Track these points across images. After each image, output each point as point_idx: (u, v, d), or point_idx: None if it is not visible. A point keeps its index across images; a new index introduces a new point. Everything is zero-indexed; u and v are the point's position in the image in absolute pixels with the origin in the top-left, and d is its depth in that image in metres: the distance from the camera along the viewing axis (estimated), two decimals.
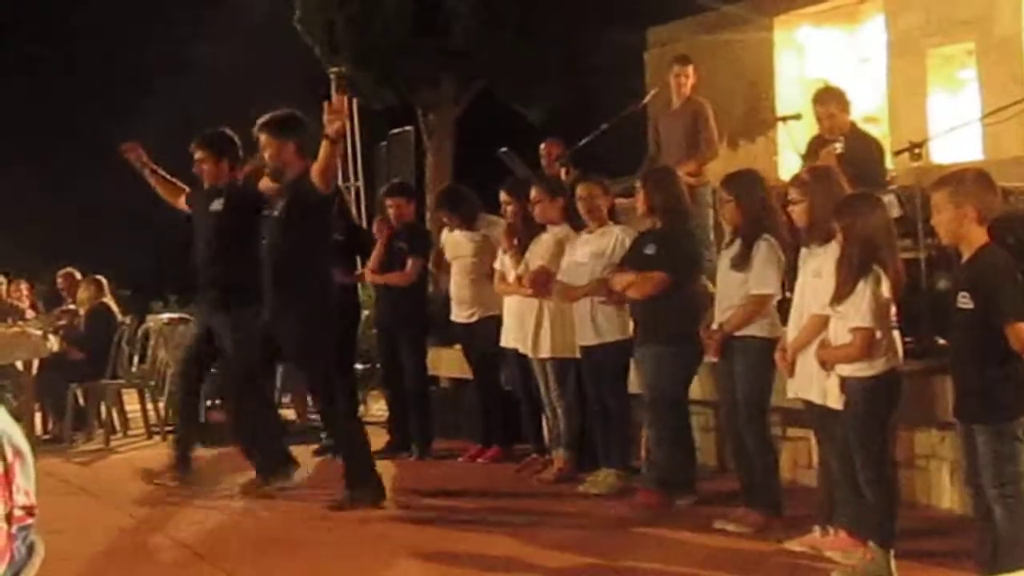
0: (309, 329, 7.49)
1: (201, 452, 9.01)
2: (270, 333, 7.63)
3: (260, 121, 7.68)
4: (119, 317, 12.14)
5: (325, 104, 7.28)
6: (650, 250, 7.24)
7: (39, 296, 15.18)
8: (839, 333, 5.58)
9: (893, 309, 5.51)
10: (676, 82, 10.17)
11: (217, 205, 8.26)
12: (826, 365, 5.67)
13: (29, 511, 1.57)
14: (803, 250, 6.13)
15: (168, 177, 8.72)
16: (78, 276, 13.01)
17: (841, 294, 5.47)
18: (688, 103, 10.14)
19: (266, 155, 7.66)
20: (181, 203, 8.66)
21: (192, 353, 8.58)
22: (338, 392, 7.79)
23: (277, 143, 7.57)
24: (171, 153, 8.73)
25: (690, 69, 10.18)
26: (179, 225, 8.75)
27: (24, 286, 14.33)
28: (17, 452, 1.58)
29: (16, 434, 1.59)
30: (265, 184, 7.95)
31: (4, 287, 13.97)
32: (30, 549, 1.58)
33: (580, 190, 8.02)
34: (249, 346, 7.85)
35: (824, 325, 5.75)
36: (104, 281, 12.30)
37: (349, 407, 8.27)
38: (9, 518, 1.53)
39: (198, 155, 8.35)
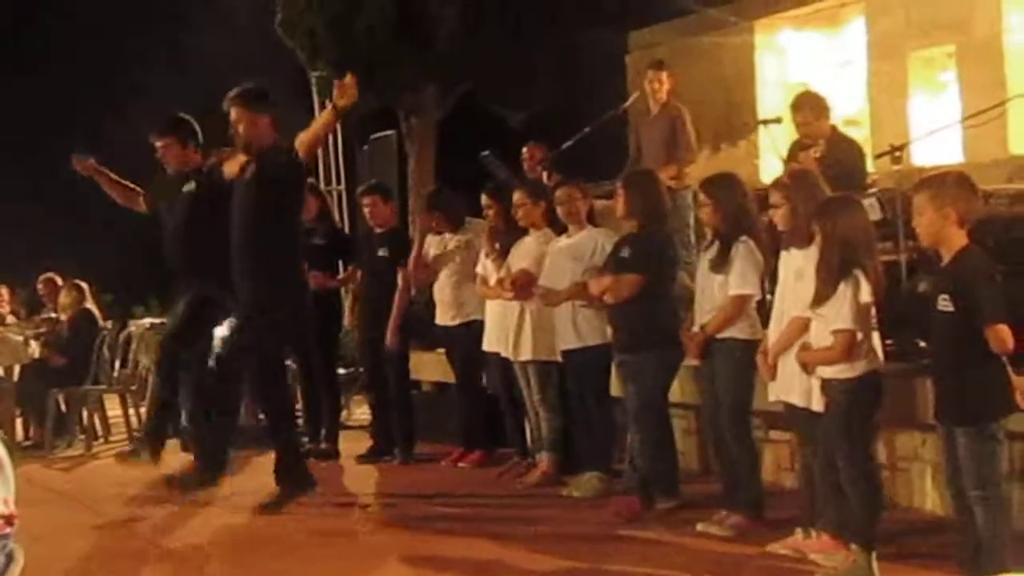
0: (270, 292, 7.42)
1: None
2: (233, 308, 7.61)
3: (231, 94, 7.58)
4: (101, 323, 12.10)
5: (338, 80, 7.18)
6: (625, 253, 7.25)
7: (20, 302, 15.12)
8: (820, 335, 5.60)
9: (873, 311, 5.53)
10: (651, 88, 10.25)
11: (189, 187, 8.14)
12: (807, 367, 5.69)
13: (8, 520, 1.56)
14: (783, 253, 6.14)
15: (123, 181, 8.60)
16: (59, 282, 12.97)
17: (821, 297, 5.49)
18: (665, 109, 10.19)
19: (239, 128, 7.54)
20: (140, 205, 8.54)
21: (174, 334, 8.45)
22: (275, 363, 7.76)
23: (251, 116, 7.50)
24: (154, 151, 8.58)
25: (664, 75, 10.23)
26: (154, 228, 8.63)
27: (5, 291, 14.26)
28: None
29: None
30: (230, 171, 7.80)
31: None
32: (9, 558, 1.58)
33: (559, 194, 8.04)
34: (203, 315, 7.82)
35: (805, 328, 5.76)
36: (86, 286, 12.26)
37: (286, 394, 8.21)
38: None
39: (161, 142, 8.24)
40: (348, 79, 7.15)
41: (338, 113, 7.20)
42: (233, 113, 7.56)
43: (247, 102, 7.53)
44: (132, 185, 8.61)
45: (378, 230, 9.70)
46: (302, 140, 7.28)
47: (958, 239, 5.00)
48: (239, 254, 7.53)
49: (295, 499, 7.54)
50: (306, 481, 7.78)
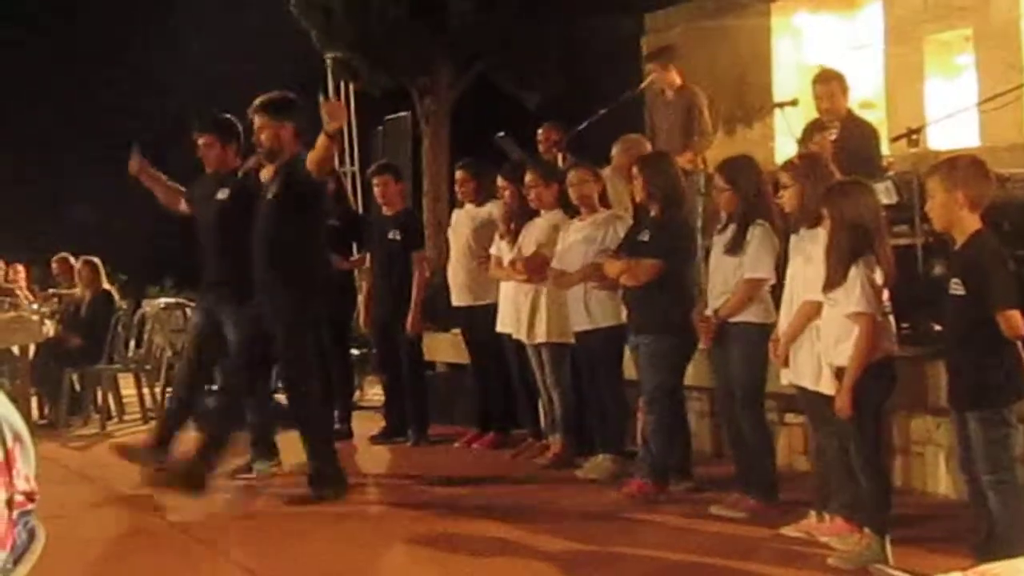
0: (295, 312, 7.40)
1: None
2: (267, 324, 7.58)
3: (256, 103, 7.53)
4: (118, 303, 12.14)
5: (323, 100, 7.19)
6: (644, 237, 7.24)
7: (34, 281, 15.18)
8: (831, 320, 5.58)
9: (886, 295, 5.52)
10: (659, 78, 10.17)
11: (223, 194, 8.07)
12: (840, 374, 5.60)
13: (30, 496, 1.57)
14: (792, 237, 6.14)
15: (168, 182, 8.54)
16: (72, 261, 13.01)
17: (833, 281, 5.47)
18: (681, 92, 10.14)
19: (262, 137, 7.49)
20: (181, 206, 8.47)
21: (198, 342, 8.47)
22: (313, 382, 7.64)
23: (275, 125, 7.45)
24: (167, 133, 8.59)
25: (664, 65, 10.13)
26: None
27: (20, 269, 14.32)
28: (17, 437, 1.58)
29: (15, 418, 1.59)
30: (266, 176, 7.76)
31: (1, 272, 13.98)
32: (31, 534, 1.58)
33: (570, 177, 8.03)
34: (252, 339, 7.76)
35: (816, 312, 5.76)
36: (99, 262, 12.27)
37: (323, 399, 8.09)
38: (10, 504, 1.53)
39: (203, 140, 8.17)
40: (334, 101, 7.13)
41: (331, 138, 7.15)
42: (257, 121, 7.50)
43: (270, 111, 7.47)
44: (177, 186, 8.57)
45: (388, 211, 9.69)
46: (309, 163, 7.26)
47: (971, 223, 4.99)
48: (262, 272, 7.50)
49: (323, 499, 7.45)
50: (339, 484, 7.60)
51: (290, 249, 7.41)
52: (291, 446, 7.93)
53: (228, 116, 8.29)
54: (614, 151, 8.86)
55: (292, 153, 7.44)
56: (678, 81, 10.19)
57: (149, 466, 7.77)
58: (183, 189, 8.49)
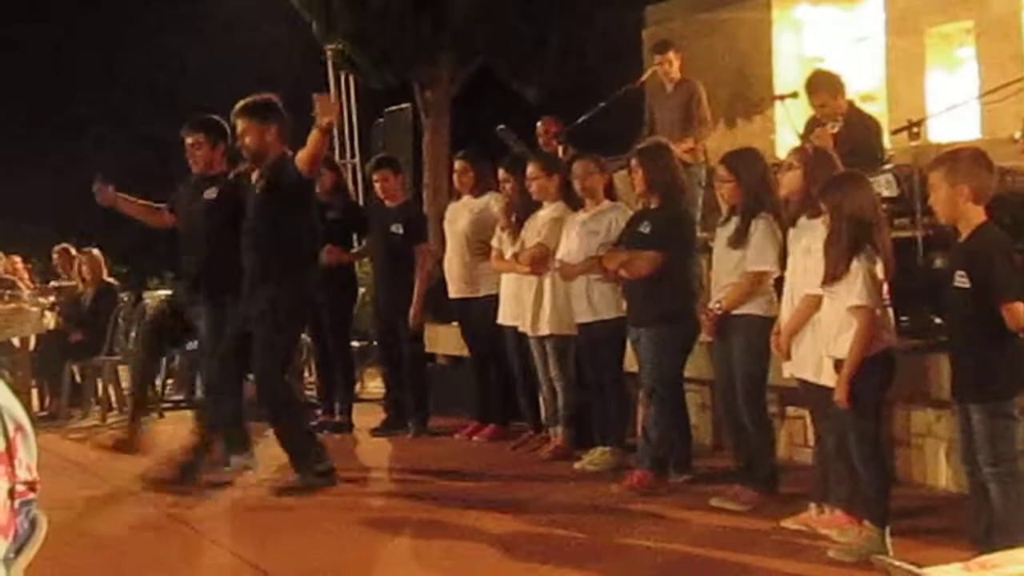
0: (280, 304, 7.39)
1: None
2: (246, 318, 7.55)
3: (238, 107, 7.53)
4: (121, 295, 12.15)
5: (316, 96, 7.18)
6: (645, 228, 7.24)
7: (36, 272, 15.18)
8: (832, 313, 5.58)
9: (885, 288, 5.52)
10: (662, 69, 10.22)
11: (211, 193, 8.04)
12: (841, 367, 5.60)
13: (31, 486, 1.57)
14: (792, 230, 6.14)
15: (142, 202, 8.49)
16: (73, 252, 13.00)
17: (834, 274, 5.47)
18: (681, 85, 10.17)
19: (246, 140, 7.48)
20: (165, 220, 8.43)
21: (157, 325, 8.46)
22: (281, 374, 7.65)
23: (258, 128, 7.43)
24: (164, 127, 8.56)
25: (671, 55, 10.20)
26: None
27: (19, 261, 14.31)
28: (18, 426, 1.58)
29: (17, 408, 1.59)
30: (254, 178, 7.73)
31: (2, 263, 13.97)
32: (33, 524, 1.58)
33: (575, 168, 8.03)
34: (228, 337, 7.75)
35: (817, 305, 5.75)
36: (98, 253, 12.27)
37: (290, 390, 8.09)
38: (12, 493, 1.53)
39: (191, 140, 8.13)
40: (325, 97, 7.12)
41: (324, 132, 7.14)
42: (239, 125, 7.51)
43: (252, 113, 7.48)
44: (152, 204, 8.54)
45: (390, 204, 9.69)
46: (300, 160, 7.27)
47: (975, 215, 4.99)
48: (250, 263, 7.51)
49: (312, 488, 7.44)
50: (323, 468, 7.61)
51: (278, 245, 7.40)
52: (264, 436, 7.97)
53: (216, 118, 8.28)
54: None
55: (277, 154, 7.44)
56: (678, 74, 10.21)
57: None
58: (160, 206, 8.47)
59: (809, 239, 5.86)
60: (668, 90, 10.20)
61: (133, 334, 12.19)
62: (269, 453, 8.09)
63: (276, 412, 7.63)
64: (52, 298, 12.61)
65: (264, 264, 7.44)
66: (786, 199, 6.26)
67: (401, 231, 9.49)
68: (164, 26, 22.58)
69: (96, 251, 12.29)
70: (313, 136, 7.12)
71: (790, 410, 7.59)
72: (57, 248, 13.65)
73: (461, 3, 15.47)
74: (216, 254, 7.86)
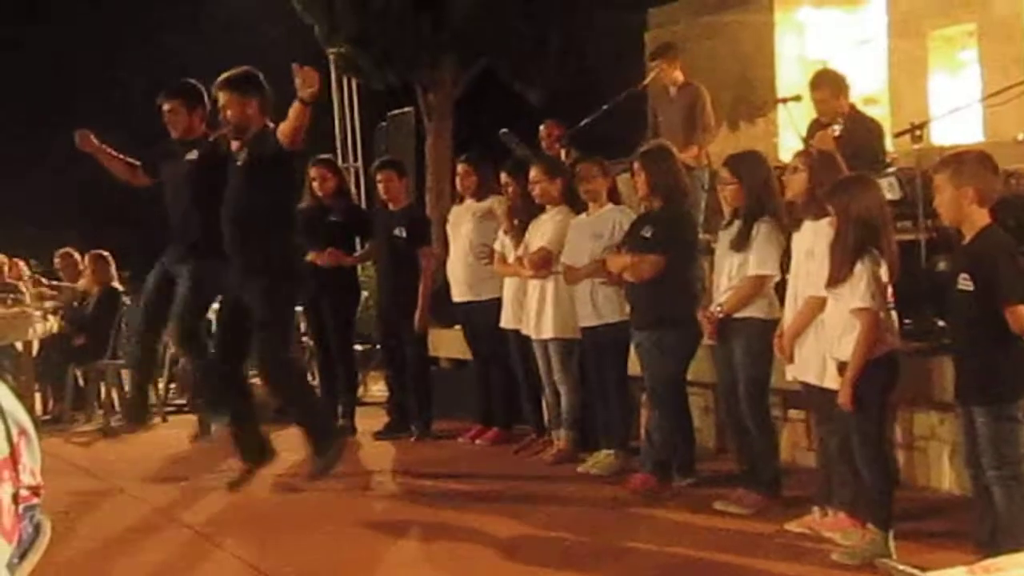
0: (269, 280, 7.35)
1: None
2: (231, 289, 7.54)
3: (220, 79, 7.50)
4: (125, 299, 12.13)
5: (297, 67, 7.12)
6: (647, 232, 7.23)
7: (40, 275, 15.16)
8: (836, 316, 5.58)
9: (890, 291, 5.51)
10: (663, 75, 10.16)
11: (192, 155, 8.01)
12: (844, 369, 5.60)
13: (35, 491, 1.57)
14: (795, 234, 6.14)
15: (122, 156, 8.45)
16: (76, 256, 12.99)
17: (838, 276, 5.47)
18: (685, 89, 10.13)
19: (228, 113, 7.44)
20: (141, 179, 8.39)
21: (153, 298, 8.44)
22: (288, 350, 7.68)
23: (240, 101, 7.38)
24: (164, 127, 8.51)
25: (668, 62, 10.13)
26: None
27: (22, 265, 14.30)
28: (22, 431, 1.58)
29: (21, 413, 1.59)
30: (235, 149, 7.64)
31: (5, 267, 13.97)
32: (37, 529, 1.58)
33: (580, 170, 8.03)
34: (201, 294, 7.80)
35: (820, 308, 5.75)
36: (108, 255, 12.25)
37: (298, 368, 8.07)
38: (16, 498, 1.53)
39: (168, 106, 8.11)
40: (308, 68, 7.09)
41: (305, 104, 7.07)
42: (221, 98, 7.48)
43: (234, 87, 7.45)
44: (131, 160, 8.53)
45: (393, 207, 9.68)
46: (281, 132, 7.24)
47: (980, 218, 4.98)
48: (232, 236, 7.46)
49: (329, 468, 7.46)
50: (337, 438, 7.71)
51: (261, 217, 7.35)
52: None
53: (192, 82, 8.26)
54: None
55: (259, 127, 7.43)
56: (681, 78, 10.19)
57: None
58: (138, 163, 8.45)
59: (812, 241, 5.86)
60: (672, 94, 10.18)
61: (135, 338, 12.20)
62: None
63: (286, 391, 7.65)
64: (53, 302, 12.60)
65: (244, 236, 7.39)
66: (791, 202, 6.26)
67: (404, 234, 9.49)
68: (164, 26, 22.59)
69: (105, 253, 12.26)
70: (295, 108, 7.08)
71: (792, 413, 7.59)
72: (60, 252, 13.64)
73: (463, 6, 15.48)
74: (203, 216, 7.80)
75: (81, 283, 12.55)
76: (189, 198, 7.96)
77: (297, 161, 7.70)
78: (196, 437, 9.53)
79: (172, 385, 12.28)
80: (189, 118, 8.11)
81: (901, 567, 5.25)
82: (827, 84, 7.92)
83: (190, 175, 7.99)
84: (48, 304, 12.40)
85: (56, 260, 13.72)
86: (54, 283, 13.61)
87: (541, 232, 8.30)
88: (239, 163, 7.45)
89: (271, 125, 7.35)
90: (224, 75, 7.51)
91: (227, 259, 7.51)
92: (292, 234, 7.75)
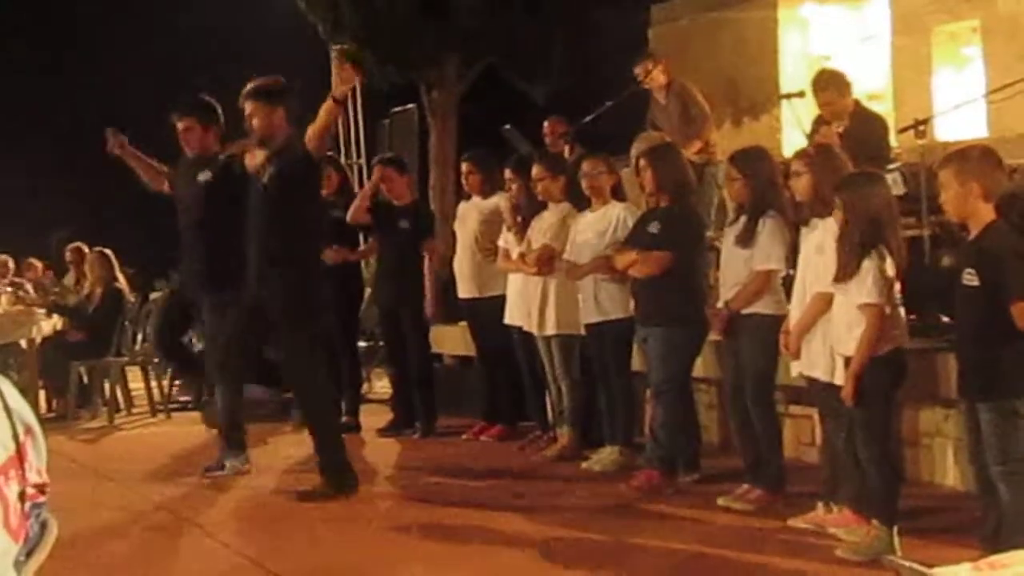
0: (295, 299, 7.29)
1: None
2: (254, 309, 7.44)
3: (247, 88, 7.43)
4: (129, 298, 12.14)
5: (338, 62, 7.02)
6: (654, 228, 7.22)
7: (53, 276, 15.22)
8: (843, 311, 5.58)
9: (897, 286, 5.51)
10: (649, 82, 10.08)
11: (205, 176, 8.02)
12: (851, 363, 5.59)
13: (41, 489, 1.57)
14: (803, 228, 6.13)
15: (150, 161, 8.48)
16: (86, 250, 13.00)
17: (845, 272, 5.47)
18: (671, 90, 10.06)
19: (254, 123, 7.38)
20: (163, 185, 8.41)
21: (167, 318, 8.40)
22: (317, 373, 7.48)
23: (266, 110, 7.34)
24: (164, 127, 8.50)
25: (649, 66, 10.06)
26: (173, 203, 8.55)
27: (39, 265, 14.34)
28: (28, 430, 1.58)
29: (27, 412, 1.59)
30: (251, 163, 7.57)
31: (12, 268, 14.01)
32: (43, 527, 1.58)
33: (584, 167, 8.01)
34: (227, 327, 7.72)
35: (828, 304, 5.75)
36: (111, 255, 12.25)
37: (327, 390, 7.80)
38: (23, 496, 1.54)
39: (183, 124, 8.11)
40: (348, 66, 7.00)
41: (337, 103, 7.04)
42: (248, 108, 7.41)
43: (262, 96, 7.38)
44: (158, 165, 8.52)
45: (397, 203, 9.68)
46: (310, 136, 7.18)
47: (985, 213, 4.98)
48: (258, 260, 7.38)
49: (334, 495, 7.27)
50: (349, 477, 7.42)
51: (288, 236, 7.29)
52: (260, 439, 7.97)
53: (206, 98, 8.22)
54: (634, 150, 8.82)
55: (285, 137, 7.38)
56: (664, 79, 10.08)
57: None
58: (166, 169, 8.43)
59: (820, 237, 5.85)
60: (661, 101, 10.12)
61: (140, 336, 12.22)
62: (282, 454, 8.11)
63: (312, 413, 7.58)
64: (52, 299, 12.62)
65: (272, 252, 7.31)
66: (799, 204, 6.24)
67: (408, 226, 9.50)
68: (164, 26, 22.61)
69: (107, 251, 12.26)
70: (326, 107, 6.99)
71: (797, 409, 7.58)
72: (70, 247, 13.67)
73: (467, 3, 15.48)
74: (216, 248, 7.78)
75: (91, 280, 12.53)
76: (201, 223, 7.92)
77: (320, 173, 7.66)
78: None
79: (176, 383, 12.28)
80: (204, 135, 8.07)
81: (906, 563, 5.23)
82: (832, 85, 7.91)
83: (203, 198, 7.95)
84: (53, 298, 12.40)
85: (66, 255, 13.75)
86: (51, 278, 13.61)
87: (543, 229, 8.30)
88: (264, 181, 7.34)
89: (296, 134, 7.27)
90: (251, 84, 7.45)
91: (241, 284, 7.46)
92: (318, 251, 7.68)
